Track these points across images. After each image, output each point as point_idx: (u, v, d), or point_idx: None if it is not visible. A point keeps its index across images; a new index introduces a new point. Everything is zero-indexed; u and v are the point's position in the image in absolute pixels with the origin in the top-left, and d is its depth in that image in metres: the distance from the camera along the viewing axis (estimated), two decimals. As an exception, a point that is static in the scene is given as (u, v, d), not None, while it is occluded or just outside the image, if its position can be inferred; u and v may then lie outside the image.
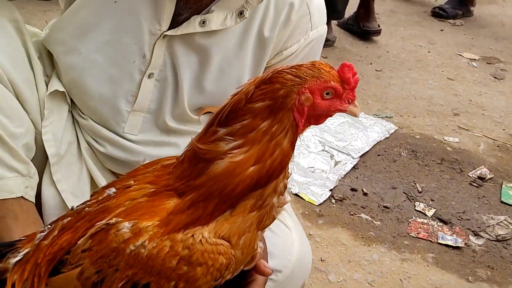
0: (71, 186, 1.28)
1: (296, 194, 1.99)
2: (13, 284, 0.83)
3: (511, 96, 2.96)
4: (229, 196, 0.78)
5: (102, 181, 1.30)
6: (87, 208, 0.87)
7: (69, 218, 0.87)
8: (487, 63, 3.35)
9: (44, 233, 0.87)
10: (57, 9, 1.34)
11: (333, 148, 2.27)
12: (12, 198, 1.15)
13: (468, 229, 1.96)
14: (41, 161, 1.26)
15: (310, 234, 1.80)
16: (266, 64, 1.27)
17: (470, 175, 2.25)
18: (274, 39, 1.23)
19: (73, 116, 1.32)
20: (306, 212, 1.93)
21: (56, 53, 1.24)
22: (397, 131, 2.50)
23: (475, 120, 2.68)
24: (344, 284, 1.69)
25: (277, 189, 0.84)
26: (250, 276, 0.96)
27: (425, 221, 1.97)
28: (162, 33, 1.17)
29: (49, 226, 0.90)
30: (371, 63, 3.17)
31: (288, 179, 0.94)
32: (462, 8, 4.03)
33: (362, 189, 2.10)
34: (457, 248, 1.87)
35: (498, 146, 2.49)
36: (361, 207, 2.00)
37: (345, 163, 2.20)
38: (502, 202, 2.12)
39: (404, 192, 2.11)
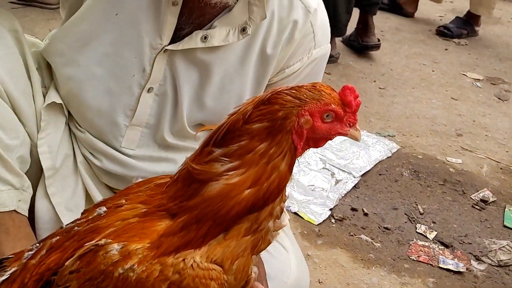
0: (65, 200, 1.26)
1: (295, 213, 1.96)
2: (-2, 304, 0.81)
3: (515, 118, 2.94)
4: (223, 219, 0.76)
5: (97, 195, 1.28)
6: (76, 227, 0.86)
7: (58, 237, 0.84)
8: (491, 83, 3.34)
9: (32, 252, 0.85)
10: (60, 18, 1.33)
11: (334, 166, 2.24)
12: (4, 211, 1.13)
13: (470, 253, 1.93)
14: (36, 173, 1.24)
15: (308, 255, 1.77)
16: (268, 82, 1.25)
17: (473, 198, 2.22)
18: (277, 56, 1.22)
19: (70, 129, 1.30)
20: (305, 232, 1.90)
21: (55, 64, 1.23)
22: (400, 151, 2.48)
23: (478, 141, 2.66)
24: (342, 307, 1.65)
25: (273, 212, 0.82)
26: (244, 302, 0.93)
27: (426, 244, 1.94)
28: (163, 48, 1.15)
29: (38, 245, 0.87)
30: (374, 81, 3.15)
31: (288, 197, 0.92)
32: (467, 28, 4.03)
33: (362, 209, 2.06)
34: (459, 273, 1.83)
35: (501, 168, 2.46)
36: (361, 227, 1.97)
37: (346, 182, 2.17)
38: (504, 226, 2.08)
39: (405, 213, 2.08)
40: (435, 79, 3.31)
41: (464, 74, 3.42)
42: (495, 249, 1.95)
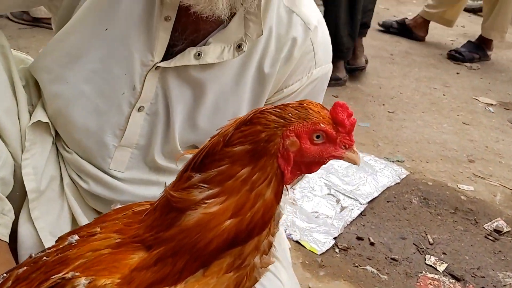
0: (49, 225, 1.20)
1: (297, 241, 1.87)
2: None
3: (530, 144, 2.85)
4: (201, 252, 0.69)
5: (83, 220, 1.22)
6: (45, 258, 0.79)
7: (25, 268, 0.77)
8: (504, 108, 3.26)
9: (-3, 283, 0.78)
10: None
11: (340, 192, 2.16)
12: (-19, 236, 1.07)
13: (483, 287, 1.81)
14: (20, 196, 1.19)
15: (309, 287, 1.67)
16: (266, 102, 1.19)
17: (486, 228, 2.12)
18: (275, 75, 1.16)
19: (57, 150, 1.24)
20: (307, 262, 1.80)
21: (42, 81, 1.18)
22: (409, 177, 2.39)
23: (491, 168, 2.56)
24: None
25: (259, 247, 0.73)
26: None
27: (436, 276, 1.83)
28: (155, 65, 1.10)
29: (5, 275, 0.81)
30: (383, 104, 3.09)
31: (278, 229, 0.84)
32: (479, 52, 3.98)
33: (369, 238, 1.97)
34: (471, 308, 1.72)
35: (516, 196, 2.36)
36: (367, 258, 1.87)
37: (352, 209, 2.08)
38: (520, 258, 1.97)
39: (414, 244, 1.99)
40: (446, 103, 3.24)
41: (476, 99, 3.34)
42: (510, 283, 1.84)
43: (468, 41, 4.08)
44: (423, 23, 4.23)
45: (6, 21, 3.35)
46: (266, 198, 0.70)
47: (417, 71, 3.68)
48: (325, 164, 0.72)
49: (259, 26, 1.09)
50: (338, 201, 2.11)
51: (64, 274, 0.70)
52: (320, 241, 1.86)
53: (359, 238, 1.96)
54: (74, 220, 1.24)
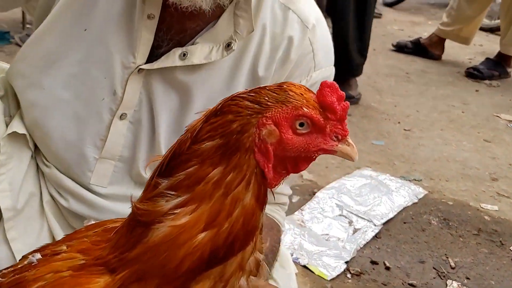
0: (28, 246, 1.09)
1: (304, 266, 1.74)
2: None
3: (556, 161, 2.68)
4: (173, 275, 0.57)
5: (64, 241, 1.11)
6: (0, 279, 0.69)
7: (-25, 291, 0.67)
8: (528, 125, 3.10)
9: None
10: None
11: (352, 213, 2.03)
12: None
13: (512, 315, 1.65)
14: (-5, 214, 1.09)
15: (317, 315, 1.53)
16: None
17: (513, 250, 1.96)
18: (270, 79, 1.06)
19: (37, 164, 1.15)
20: (315, 288, 1.66)
21: (17, 88, 1.10)
22: (427, 196, 2.26)
23: (516, 187, 2.41)
24: None
25: (244, 266, 0.61)
26: None
27: (459, 303, 1.67)
28: (137, 67, 1.01)
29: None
30: (399, 122, 2.98)
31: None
32: (498, 69, 3.88)
33: (384, 262, 1.83)
34: None
35: (544, 217, 2.19)
36: (382, 284, 1.73)
37: (366, 231, 1.94)
38: (551, 283, 1.80)
39: (434, 268, 1.84)
40: (466, 120, 3.12)
41: (497, 116, 3.21)
42: (543, 311, 1.66)
43: (487, 58, 3.99)
44: (438, 41, 4.15)
45: (15, 47, 3.35)
46: (246, 204, 0.58)
47: (434, 89, 3.57)
48: (313, 160, 0.59)
49: (250, 22, 1.01)
50: (350, 222, 1.98)
51: (18, 298, 0.60)
52: (330, 266, 1.73)
53: (373, 262, 1.83)
54: (54, 241, 1.13)
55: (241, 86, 1.05)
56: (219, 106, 0.58)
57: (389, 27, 5.02)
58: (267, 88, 0.56)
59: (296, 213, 1.97)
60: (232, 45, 1.00)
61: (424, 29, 4.88)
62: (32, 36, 1.06)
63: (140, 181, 1.10)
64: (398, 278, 1.77)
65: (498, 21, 4.69)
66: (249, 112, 0.55)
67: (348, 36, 2.91)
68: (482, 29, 4.57)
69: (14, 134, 1.09)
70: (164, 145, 1.06)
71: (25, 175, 1.11)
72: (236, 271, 0.61)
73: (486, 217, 2.15)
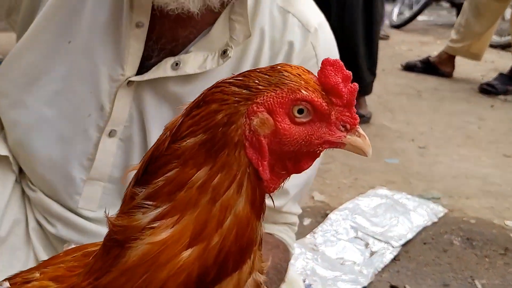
0: (13, 278, 1.00)
1: (318, 292, 1.62)
2: None
3: None
4: (155, 304, 0.48)
5: (53, 271, 1.02)
6: None
7: None
8: (548, 139, 2.99)
9: None
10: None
11: (368, 235, 1.93)
12: None
13: None
14: (-24, 244, 1.01)
15: None
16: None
17: (544, 269, 1.83)
18: (270, 86, 0.97)
19: (22, 189, 1.07)
20: (331, 316, 1.55)
21: (0, 108, 1.02)
22: (447, 215, 2.16)
23: (542, 202, 2.29)
24: None
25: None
26: None
27: (490, 329, 1.54)
28: (126, 79, 0.93)
29: None
30: (412, 140, 2.90)
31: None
32: (513, 84, 3.78)
33: (404, 286, 1.72)
34: None
35: None
36: (404, 309, 1.61)
37: (383, 253, 1.84)
38: None
39: (459, 291, 1.72)
40: (483, 136, 3.03)
41: (515, 132, 3.10)
42: None
43: (500, 74, 3.93)
44: (448, 58, 4.10)
45: None
46: (239, 211, 0.49)
47: (448, 106, 3.51)
48: (318, 156, 0.49)
49: (246, 26, 0.94)
50: (367, 245, 1.89)
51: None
52: (346, 291, 1.61)
53: (393, 287, 1.73)
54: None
55: (239, 95, 0.97)
56: (202, 96, 0.49)
57: (397, 47, 4.98)
58: (257, 70, 0.47)
59: (308, 236, 1.88)
60: (228, 52, 0.93)
61: (433, 49, 4.83)
62: (12, 51, 0.99)
63: (133, 203, 1.01)
64: (421, 303, 1.66)
65: (508, 37, 4.67)
66: (236, 99, 0.46)
67: (358, 54, 2.86)
68: (492, 46, 4.52)
69: (-4, 157, 1.01)
70: (158, 162, 0.97)
71: (8, 200, 1.05)
72: (231, 295, 0.51)
73: (512, 235, 2.04)
